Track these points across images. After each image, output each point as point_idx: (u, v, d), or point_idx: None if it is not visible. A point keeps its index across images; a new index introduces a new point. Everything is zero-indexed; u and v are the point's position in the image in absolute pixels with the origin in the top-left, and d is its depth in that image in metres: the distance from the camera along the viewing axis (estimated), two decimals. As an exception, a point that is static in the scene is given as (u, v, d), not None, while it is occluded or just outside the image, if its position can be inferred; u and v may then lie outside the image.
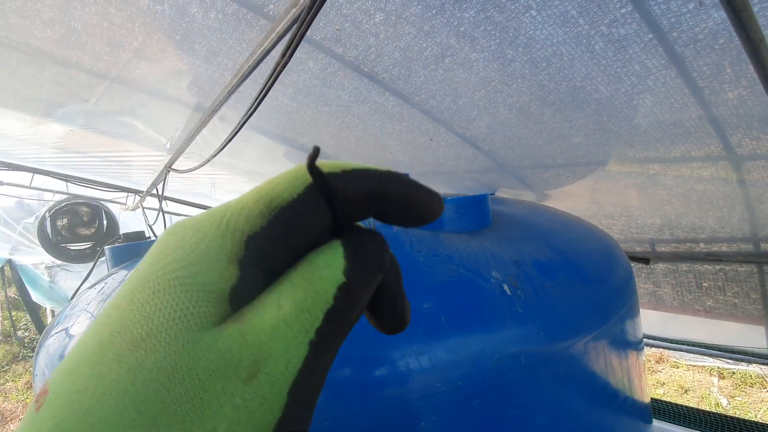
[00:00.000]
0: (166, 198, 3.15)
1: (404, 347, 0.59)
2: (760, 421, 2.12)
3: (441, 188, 2.49)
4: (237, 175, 3.06)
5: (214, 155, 1.53)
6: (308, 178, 0.19)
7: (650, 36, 1.02)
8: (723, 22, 0.92)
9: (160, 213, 2.17)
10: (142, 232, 1.25)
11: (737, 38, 0.78)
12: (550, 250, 0.78)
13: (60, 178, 3.30)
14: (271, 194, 0.18)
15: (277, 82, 1.02)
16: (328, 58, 1.38)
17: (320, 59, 1.39)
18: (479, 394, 0.58)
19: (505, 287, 0.66)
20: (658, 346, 2.31)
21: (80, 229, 3.68)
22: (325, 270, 0.18)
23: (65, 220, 3.60)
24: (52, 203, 3.54)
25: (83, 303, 1.05)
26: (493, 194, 1.51)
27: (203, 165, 1.73)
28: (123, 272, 1.05)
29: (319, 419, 0.58)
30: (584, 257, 0.82)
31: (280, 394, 0.16)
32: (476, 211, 0.82)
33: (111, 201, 3.78)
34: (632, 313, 0.89)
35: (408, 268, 0.69)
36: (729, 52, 1.00)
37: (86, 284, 2.23)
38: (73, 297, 1.17)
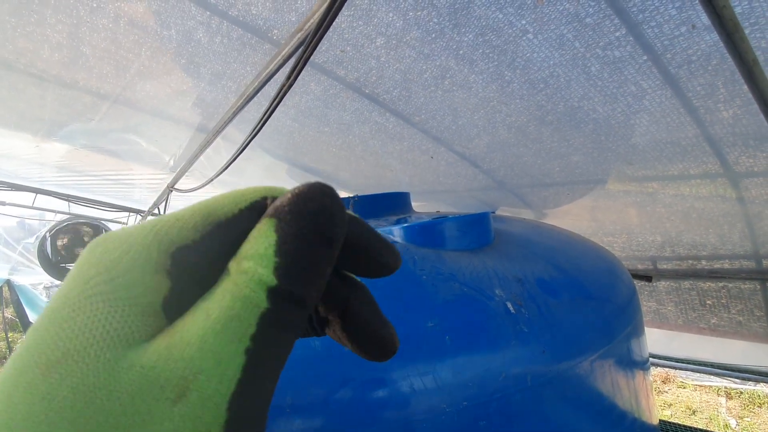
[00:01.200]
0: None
1: (407, 367, 0.59)
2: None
3: (442, 206, 2.50)
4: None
5: (217, 175, 1.54)
6: (254, 196, 0.18)
7: (645, 58, 1.05)
8: (715, 44, 0.94)
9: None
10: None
11: (730, 59, 0.80)
12: (553, 267, 0.79)
13: (62, 198, 3.32)
14: (210, 208, 0.18)
15: (280, 103, 1.04)
16: (330, 80, 1.41)
17: (322, 81, 1.42)
18: (485, 415, 0.57)
19: (509, 305, 0.65)
20: (664, 365, 2.28)
21: (80, 249, 3.68)
22: (252, 267, 0.16)
23: (65, 240, 3.60)
24: (53, 223, 3.55)
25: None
26: (493, 212, 1.52)
27: (206, 185, 1.74)
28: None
29: (322, 442, 0.57)
30: (587, 275, 0.82)
31: (217, 411, 0.15)
32: (478, 229, 0.82)
33: (112, 221, 3.79)
34: (637, 331, 0.88)
35: (411, 286, 0.69)
36: (722, 73, 1.02)
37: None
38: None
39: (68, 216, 3.61)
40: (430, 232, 0.81)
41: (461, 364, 0.58)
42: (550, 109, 1.32)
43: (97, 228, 3.71)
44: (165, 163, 2.48)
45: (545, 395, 0.63)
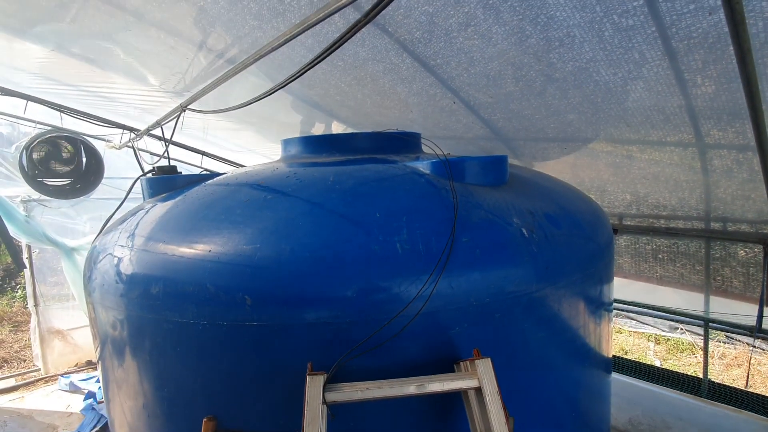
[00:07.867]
0: (165, 140, 3.11)
1: (448, 270, 0.74)
2: (690, 374, 2.51)
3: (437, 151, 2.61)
4: (232, 121, 3.05)
5: (242, 105, 1.58)
6: None
7: (653, 29, 1.16)
8: (716, 24, 1.06)
9: (166, 152, 2.19)
10: (175, 167, 1.31)
11: (727, 40, 0.92)
12: (556, 205, 0.94)
13: (54, 108, 3.20)
14: None
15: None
16: (355, 14, 1.43)
17: (347, 13, 1.44)
18: (501, 309, 0.75)
19: (524, 231, 0.81)
20: (617, 308, 2.63)
21: (55, 164, 3.59)
22: None
23: (42, 153, 3.50)
24: (33, 134, 3.41)
25: (119, 232, 1.14)
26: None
27: (224, 111, 1.76)
28: (159, 204, 1.13)
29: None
30: (582, 215, 0.99)
31: None
32: (498, 168, 0.96)
33: (96, 137, 3.68)
34: (609, 271, 1.08)
35: (445, 211, 0.83)
36: (715, 52, 1.15)
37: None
38: (103, 228, 1.24)
39: (48, 128, 3.46)
40: (457, 167, 0.94)
41: (487, 270, 0.75)
42: (559, 68, 1.43)
43: (75, 142, 3.60)
44: (172, 79, 2.42)
45: (546, 302, 0.81)
